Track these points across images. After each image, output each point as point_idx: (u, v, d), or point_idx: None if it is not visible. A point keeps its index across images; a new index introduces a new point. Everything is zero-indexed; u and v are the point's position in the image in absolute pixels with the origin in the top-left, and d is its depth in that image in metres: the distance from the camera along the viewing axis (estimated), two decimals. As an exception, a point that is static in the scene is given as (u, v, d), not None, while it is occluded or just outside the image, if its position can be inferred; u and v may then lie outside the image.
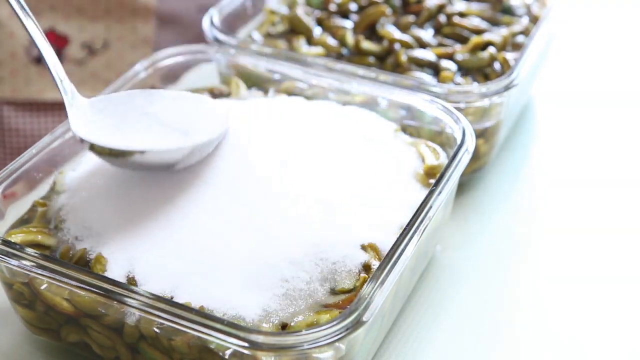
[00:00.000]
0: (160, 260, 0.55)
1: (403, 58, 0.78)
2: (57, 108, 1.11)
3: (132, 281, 0.54)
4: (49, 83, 1.08)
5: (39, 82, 1.08)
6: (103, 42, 1.08)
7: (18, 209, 0.62)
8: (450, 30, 0.82)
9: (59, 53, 1.07)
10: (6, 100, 1.08)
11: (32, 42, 0.60)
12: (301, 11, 0.85)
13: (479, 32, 0.82)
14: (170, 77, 0.77)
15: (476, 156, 0.76)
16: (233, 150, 0.62)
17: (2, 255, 0.55)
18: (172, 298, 0.53)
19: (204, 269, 0.55)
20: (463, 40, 0.81)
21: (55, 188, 0.63)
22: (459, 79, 0.77)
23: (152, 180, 0.60)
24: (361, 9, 0.85)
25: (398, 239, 0.54)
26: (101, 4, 1.07)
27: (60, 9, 1.06)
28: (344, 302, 0.54)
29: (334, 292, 0.55)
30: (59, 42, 1.07)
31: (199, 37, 1.08)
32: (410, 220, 0.56)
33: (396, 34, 0.81)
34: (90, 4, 1.07)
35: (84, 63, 1.08)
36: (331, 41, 0.81)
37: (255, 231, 0.56)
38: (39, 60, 1.06)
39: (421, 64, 0.78)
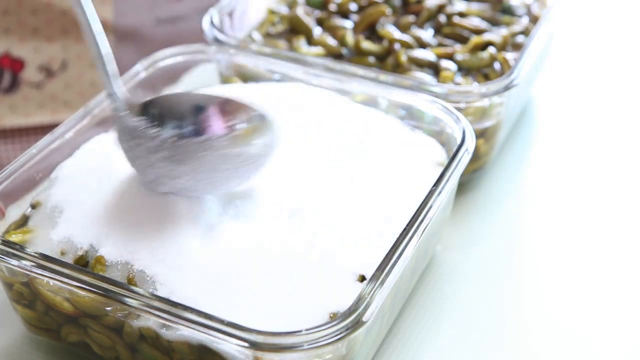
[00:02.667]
0: (161, 259, 0.55)
1: (403, 58, 0.78)
2: (17, 134, 1.07)
3: (132, 281, 0.54)
4: (7, 108, 1.04)
5: None
6: (61, 63, 1.04)
7: (18, 209, 0.62)
8: (450, 30, 0.82)
9: (15, 77, 1.03)
10: None
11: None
12: (301, 11, 0.85)
13: (479, 32, 0.82)
14: (170, 77, 0.76)
15: (476, 156, 0.76)
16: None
17: (2, 255, 0.55)
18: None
19: (205, 270, 0.55)
20: (463, 40, 0.81)
21: (52, 186, 0.63)
22: (459, 79, 0.77)
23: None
24: (361, 9, 0.85)
25: (398, 239, 0.54)
26: (57, 23, 1.02)
27: (14, 31, 1.02)
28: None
29: None
30: (14, 66, 1.03)
31: (158, 49, 1.06)
32: (410, 220, 0.56)
33: (396, 34, 0.81)
34: (46, 24, 1.02)
35: (42, 86, 1.04)
36: (331, 41, 0.81)
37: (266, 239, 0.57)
38: None
39: (421, 64, 0.78)
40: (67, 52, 1.04)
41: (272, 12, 0.88)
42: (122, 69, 1.08)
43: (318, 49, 0.81)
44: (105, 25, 1.03)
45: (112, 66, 0.59)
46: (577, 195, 0.79)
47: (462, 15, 0.84)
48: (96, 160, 0.63)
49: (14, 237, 0.59)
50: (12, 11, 1.01)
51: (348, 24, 0.84)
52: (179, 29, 1.09)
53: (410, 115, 0.70)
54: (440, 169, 0.63)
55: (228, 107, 0.59)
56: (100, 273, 0.55)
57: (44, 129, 1.04)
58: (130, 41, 1.07)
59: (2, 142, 1.06)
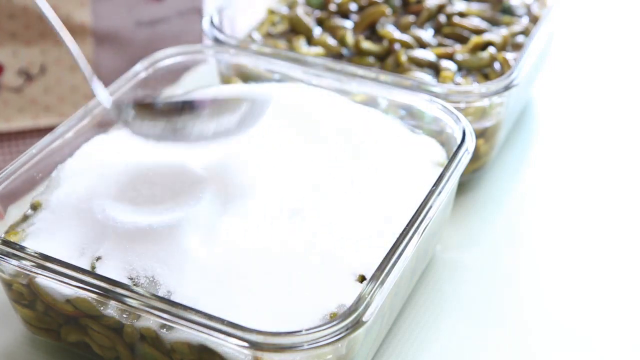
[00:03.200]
0: (161, 259, 0.55)
1: (403, 58, 0.78)
2: (6, 138, 1.07)
3: (132, 281, 0.54)
4: None
5: None
6: (40, 67, 1.03)
7: (18, 209, 0.62)
8: (450, 30, 0.82)
9: None
10: None
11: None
12: (301, 11, 0.85)
13: (479, 32, 0.82)
14: (170, 77, 0.76)
15: (476, 156, 0.76)
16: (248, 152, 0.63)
17: (2, 255, 0.55)
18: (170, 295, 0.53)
19: (204, 269, 0.55)
20: (463, 40, 0.81)
21: (52, 186, 0.63)
22: (459, 79, 0.77)
23: (155, 178, 0.60)
24: (361, 9, 0.85)
25: (398, 239, 0.54)
26: (35, 27, 1.01)
27: None
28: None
29: None
30: None
31: (138, 52, 1.04)
32: (410, 220, 0.56)
33: (396, 34, 0.81)
34: (24, 28, 1.01)
35: (21, 90, 1.03)
36: (331, 41, 0.81)
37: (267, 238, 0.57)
38: None
39: (421, 64, 0.78)
40: (46, 56, 1.03)
41: (272, 12, 0.88)
42: (103, 71, 1.09)
43: (318, 49, 0.81)
44: (84, 28, 1.03)
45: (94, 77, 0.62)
46: (577, 195, 0.79)
47: (462, 15, 0.84)
48: (96, 160, 0.63)
49: (14, 237, 0.59)
50: None
51: (348, 24, 0.84)
52: (159, 31, 1.09)
53: (410, 115, 0.70)
54: (440, 169, 0.63)
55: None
56: (100, 273, 0.55)
57: (25, 134, 1.06)
58: (110, 44, 1.06)
59: None
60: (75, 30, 1.02)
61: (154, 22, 1.05)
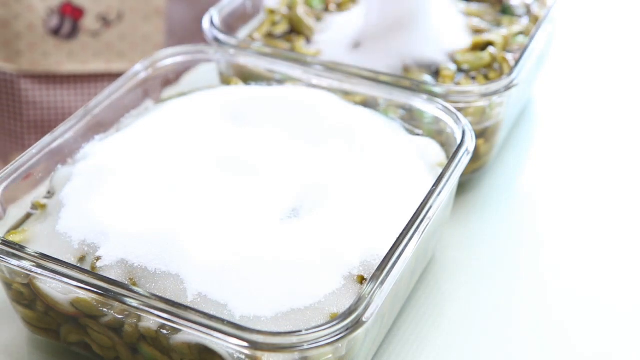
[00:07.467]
0: (161, 259, 0.55)
1: (403, 58, 0.78)
2: (73, 81, 1.14)
3: (132, 281, 0.55)
4: (66, 55, 1.11)
5: (57, 54, 1.11)
6: (117, 13, 1.11)
7: (18, 209, 0.62)
8: (450, 30, 0.82)
9: (75, 25, 1.10)
10: (24, 73, 1.11)
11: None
12: (301, 11, 0.85)
13: (479, 32, 0.82)
14: (170, 77, 0.77)
15: (476, 156, 0.76)
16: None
17: (2, 255, 0.55)
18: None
19: (203, 268, 0.55)
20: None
21: (52, 187, 0.63)
22: (459, 79, 0.77)
23: (154, 177, 0.60)
24: (361, 9, 0.85)
25: (398, 239, 0.54)
26: None
27: None
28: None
29: None
30: (75, 14, 1.10)
31: (207, 5, 1.10)
32: (410, 220, 0.56)
33: (396, 34, 0.81)
34: None
35: (99, 34, 1.11)
36: (331, 41, 0.81)
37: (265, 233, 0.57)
38: (57, 32, 1.09)
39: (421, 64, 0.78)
40: (123, 3, 1.11)
41: (272, 12, 0.88)
42: (176, 24, 1.14)
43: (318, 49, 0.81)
44: None
45: None
46: (577, 194, 0.79)
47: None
48: (96, 160, 0.63)
49: (14, 237, 0.59)
50: None
51: (348, 24, 0.84)
52: None
53: (410, 116, 0.70)
54: (440, 170, 0.63)
55: None
56: (100, 273, 0.55)
57: (97, 77, 1.14)
58: None
59: (58, 87, 1.13)
60: None
61: None
